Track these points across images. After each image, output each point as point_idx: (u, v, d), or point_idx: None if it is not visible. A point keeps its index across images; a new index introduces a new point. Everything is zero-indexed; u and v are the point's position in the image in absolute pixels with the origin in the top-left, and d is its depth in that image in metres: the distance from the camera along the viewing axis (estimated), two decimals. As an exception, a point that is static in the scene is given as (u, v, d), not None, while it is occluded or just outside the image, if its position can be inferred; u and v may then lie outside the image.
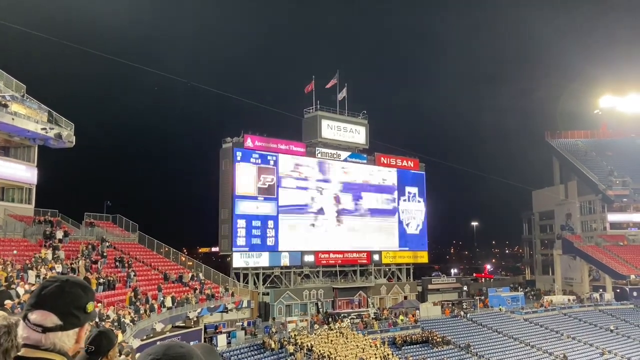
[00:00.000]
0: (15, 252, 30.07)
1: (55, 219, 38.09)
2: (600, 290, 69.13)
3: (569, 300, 65.76)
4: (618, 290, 67.72)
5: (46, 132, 35.90)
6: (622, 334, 57.81)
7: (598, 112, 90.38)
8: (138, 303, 32.10)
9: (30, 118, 35.04)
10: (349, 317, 53.29)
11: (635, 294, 66.26)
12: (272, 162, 58.68)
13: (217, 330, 43.50)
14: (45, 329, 2.09)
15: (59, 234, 35.64)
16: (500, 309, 60.96)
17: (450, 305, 63.07)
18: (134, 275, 36.44)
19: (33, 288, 24.26)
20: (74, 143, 38.24)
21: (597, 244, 74.26)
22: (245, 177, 56.60)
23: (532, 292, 76.30)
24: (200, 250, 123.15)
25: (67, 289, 2.17)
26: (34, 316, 2.11)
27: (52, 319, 2.10)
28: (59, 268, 30.18)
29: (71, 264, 31.93)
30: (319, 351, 41.35)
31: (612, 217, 77.99)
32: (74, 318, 2.16)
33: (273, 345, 41.70)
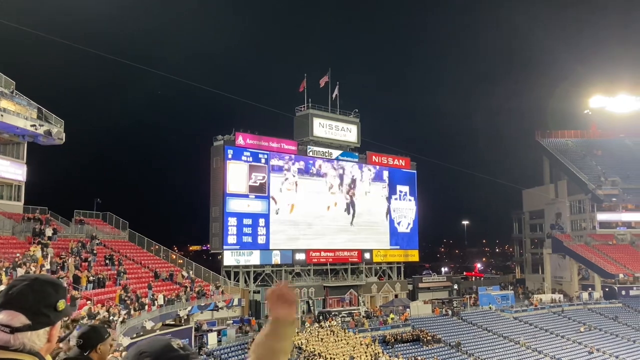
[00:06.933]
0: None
1: (44, 217, 37.80)
2: (589, 289, 69.61)
3: (552, 299, 66.01)
4: (607, 289, 68.21)
5: (36, 129, 35.65)
6: (611, 332, 58.29)
7: (588, 112, 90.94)
8: (128, 301, 31.97)
9: (20, 114, 34.76)
10: (340, 316, 53.37)
11: (623, 292, 66.81)
12: (263, 160, 58.56)
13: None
14: (13, 329, 2.04)
15: (49, 232, 35.39)
16: (490, 308, 61.27)
17: (440, 303, 63.32)
18: (124, 273, 36.30)
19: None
20: (63, 140, 38.00)
21: (587, 243, 74.79)
22: (236, 175, 56.45)
23: (522, 292, 76.64)
24: (191, 249, 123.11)
25: (36, 287, 2.13)
26: (1, 316, 2.06)
27: (19, 319, 2.06)
28: (48, 265, 30.00)
29: (62, 261, 31.77)
30: (310, 349, 41.38)
31: (602, 216, 78.46)
32: (43, 317, 2.11)
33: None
